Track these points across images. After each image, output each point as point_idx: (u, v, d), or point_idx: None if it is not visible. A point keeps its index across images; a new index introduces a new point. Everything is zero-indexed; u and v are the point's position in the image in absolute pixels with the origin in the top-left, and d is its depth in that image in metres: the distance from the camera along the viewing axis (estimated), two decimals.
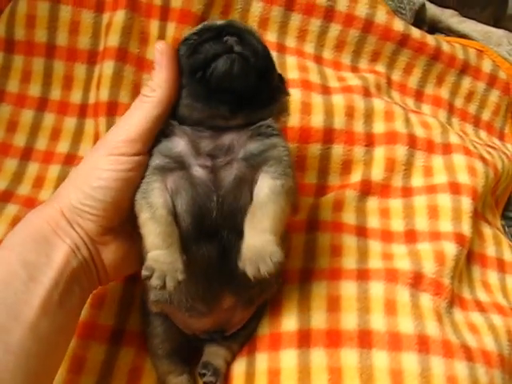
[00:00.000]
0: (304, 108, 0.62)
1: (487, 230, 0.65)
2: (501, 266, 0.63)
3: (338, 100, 0.63)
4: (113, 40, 0.63)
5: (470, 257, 0.61)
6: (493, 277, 0.62)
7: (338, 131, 0.63)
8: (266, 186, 0.43)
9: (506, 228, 0.74)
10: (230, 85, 0.42)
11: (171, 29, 0.63)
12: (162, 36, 0.64)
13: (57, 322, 0.42)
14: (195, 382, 0.53)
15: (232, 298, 0.48)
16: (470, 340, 0.53)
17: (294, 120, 0.62)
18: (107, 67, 0.62)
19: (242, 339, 0.53)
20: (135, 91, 0.64)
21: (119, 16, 0.63)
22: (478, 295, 0.59)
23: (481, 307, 0.58)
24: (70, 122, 0.66)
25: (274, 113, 0.47)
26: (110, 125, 0.62)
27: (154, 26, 0.65)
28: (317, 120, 0.62)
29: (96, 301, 0.54)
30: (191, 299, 0.47)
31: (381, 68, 0.70)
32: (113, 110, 0.62)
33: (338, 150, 0.63)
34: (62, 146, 0.65)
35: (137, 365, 0.53)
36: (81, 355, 0.52)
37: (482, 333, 0.55)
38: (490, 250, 0.63)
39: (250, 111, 0.45)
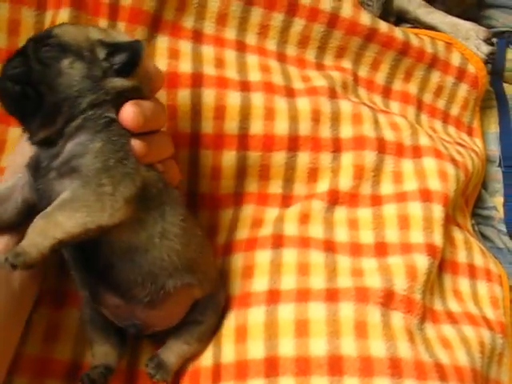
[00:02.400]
0: (267, 114, 0.58)
1: (458, 235, 0.63)
2: (472, 271, 0.62)
3: (304, 103, 0.59)
4: None
5: (441, 265, 0.59)
6: (464, 284, 0.61)
7: (304, 138, 0.59)
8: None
9: (476, 227, 0.72)
10: (8, 109, 0.43)
11: (121, 29, 0.58)
12: None
13: None
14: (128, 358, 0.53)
15: (111, 295, 0.46)
16: (442, 357, 0.52)
17: (256, 127, 0.58)
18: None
19: (201, 336, 0.51)
20: None
21: (63, 15, 0.57)
22: (450, 306, 0.58)
23: (452, 318, 0.57)
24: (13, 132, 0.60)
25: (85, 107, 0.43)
26: None
27: (102, 25, 0.59)
28: (281, 126, 0.58)
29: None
30: (82, 289, 0.47)
31: (347, 64, 0.66)
32: None
33: (303, 157, 0.59)
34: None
35: None
36: None
37: (454, 347, 0.53)
38: (461, 256, 0.62)
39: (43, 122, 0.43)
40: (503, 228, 0.74)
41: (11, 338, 0.46)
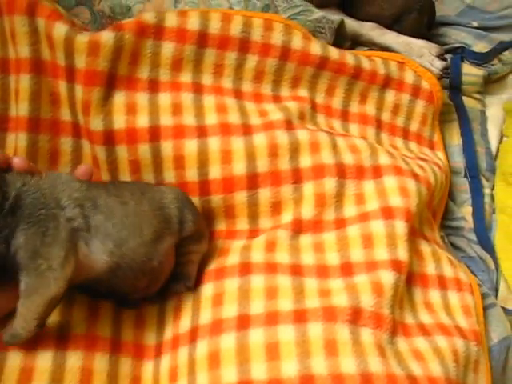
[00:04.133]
0: (224, 157, 0.60)
1: (426, 248, 0.64)
2: (442, 283, 0.63)
3: (260, 140, 0.61)
4: (22, 109, 0.60)
5: (410, 279, 0.60)
6: (435, 296, 0.61)
7: (263, 174, 0.61)
8: None
9: (446, 238, 0.74)
10: None
11: (79, 91, 0.60)
12: (71, 98, 0.61)
13: None
14: None
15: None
16: (415, 369, 0.52)
17: (215, 171, 0.61)
18: (21, 139, 0.60)
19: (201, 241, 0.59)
20: (52, 160, 0.62)
21: (24, 81, 0.60)
22: (421, 318, 0.59)
23: (424, 331, 0.57)
24: None
25: None
26: None
27: (62, 86, 0.62)
28: (238, 167, 0.60)
29: None
30: None
31: (303, 93, 0.69)
32: None
33: (264, 193, 0.61)
34: None
35: None
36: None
37: (427, 359, 0.54)
38: (430, 268, 0.63)
39: None
40: (473, 237, 0.76)
41: None
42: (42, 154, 0.62)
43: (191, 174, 0.61)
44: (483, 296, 0.67)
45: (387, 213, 0.60)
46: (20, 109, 0.61)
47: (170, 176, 0.62)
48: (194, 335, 0.53)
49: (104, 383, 0.49)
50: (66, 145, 0.63)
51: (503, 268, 0.73)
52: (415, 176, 0.64)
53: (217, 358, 0.51)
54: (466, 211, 0.78)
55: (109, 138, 0.61)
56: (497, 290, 0.74)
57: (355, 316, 0.52)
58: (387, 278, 0.55)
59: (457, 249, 0.75)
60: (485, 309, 0.67)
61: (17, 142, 0.61)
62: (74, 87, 0.61)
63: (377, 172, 0.64)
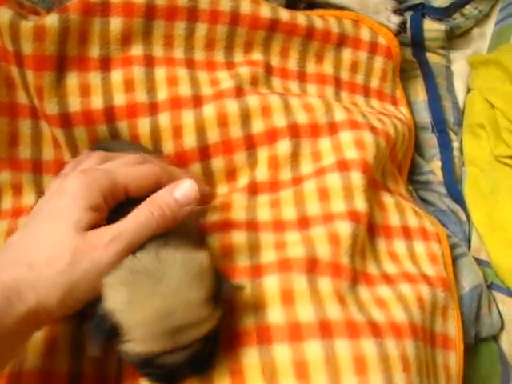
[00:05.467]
0: (175, 132, 0.61)
1: (388, 200, 0.64)
2: (406, 233, 0.62)
3: (209, 111, 0.61)
4: None
5: (372, 230, 0.60)
6: (400, 246, 0.61)
7: (213, 145, 0.61)
8: None
9: (414, 193, 0.74)
10: None
11: (30, 76, 0.60)
12: (25, 83, 0.62)
13: None
14: None
15: None
16: (377, 315, 0.52)
17: (168, 147, 0.61)
18: None
19: None
20: (13, 142, 0.63)
21: None
22: (385, 268, 0.59)
23: (389, 279, 0.57)
24: None
25: None
26: None
27: (14, 71, 0.62)
28: (189, 141, 0.61)
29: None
30: None
31: (257, 56, 0.68)
32: None
33: (217, 163, 0.61)
34: None
35: None
36: None
37: (390, 305, 0.54)
38: (394, 220, 0.63)
39: None
40: (443, 190, 0.75)
41: None
42: (2, 137, 0.62)
43: None
44: (453, 246, 0.67)
45: (343, 165, 0.60)
46: None
47: None
48: None
49: None
50: (25, 127, 0.64)
51: (474, 219, 0.73)
52: (372, 128, 0.64)
53: None
54: (435, 166, 0.78)
55: (65, 121, 0.61)
56: (469, 242, 0.73)
57: (312, 266, 0.52)
58: (344, 228, 0.55)
59: (427, 203, 0.74)
60: (455, 259, 0.67)
61: None
62: (25, 72, 0.61)
63: (332, 129, 0.63)
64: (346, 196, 0.58)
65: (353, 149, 0.61)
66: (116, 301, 0.42)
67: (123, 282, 0.42)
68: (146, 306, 0.41)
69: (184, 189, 0.47)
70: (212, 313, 0.43)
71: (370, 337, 0.50)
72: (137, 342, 0.41)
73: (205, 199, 0.55)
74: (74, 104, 0.61)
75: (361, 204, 0.58)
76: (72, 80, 0.61)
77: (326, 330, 0.49)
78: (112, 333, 0.41)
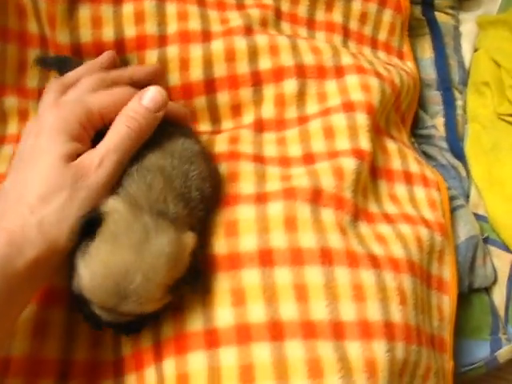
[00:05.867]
0: (182, 65, 0.61)
1: (392, 145, 0.65)
2: (408, 178, 0.63)
3: (218, 46, 0.62)
4: None
5: (375, 172, 0.61)
6: (400, 189, 0.62)
7: (219, 79, 0.62)
8: None
9: (416, 145, 0.74)
10: None
11: (43, 4, 0.62)
12: (37, 11, 0.62)
13: None
14: None
15: None
16: (376, 250, 0.53)
17: (174, 79, 0.62)
18: None
19: None
20: (21, 70, 0.64)
21: None
22: (386, 208, 0.60)
23: (389, 219, 0.58)
24: None
25: None
26: None
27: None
28: (196, 73, 0.61)
29: None
30: None
31: (267, 0, 0.69)
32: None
33: (223, 97, 0.62)
34: None
35: None
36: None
37: (389, 242, 0.55)
38: (396, 164, 0.64)
39: None
40: (445, 145, 0.76)
41: None
42: (11, 63, 0.63)
43: None
44: (452, 198, 0.68)
45: (348, 106, 0.61)
46: None
47: None
48: None
49: None
50: (34, 56, 0.64)
51: (473, 174, 0.74)
52: (378, 74, 0.65)
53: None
54: (438, 122, 0.78)
55: (76, 51, 0.62)
56: (468, 197, 0.74)
57: (316, 196, 0.53)
58: (348, 163, 0.56)
59: (428, 157, 0.75)
60: (453, 210, 0.68)
61: None
62: (37, 0, 0.61)
63: (339, 72, 0.64)
64: (351, 135, 0.59)
65: (358, 91, 0.62)
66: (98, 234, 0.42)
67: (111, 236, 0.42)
68: (116, 251, 0.41)
69: (150, 95, 0.48)
70: (163, 297, 0.43)
71: (369, 267, 0.51)
72: (84, 278, 0.41)
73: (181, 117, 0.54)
74: (86, 35, 0.61)
75: (365, 143, 0.59)
76: (84, 12, 0.62)
77: (326, 257, 0.50)
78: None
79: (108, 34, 0.62)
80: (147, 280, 0.40)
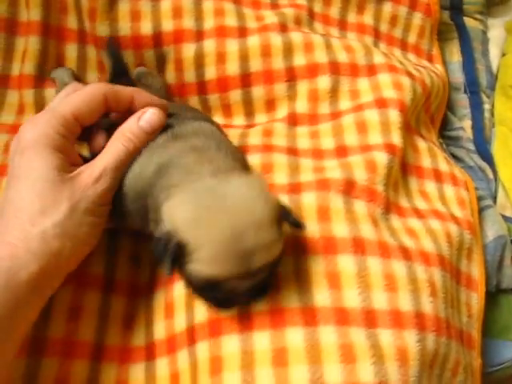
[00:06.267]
0: (219, 59, 0.63)
1: (422, 144, 0.66)
2: (437, 176, 0.64)
3: (254, 41, 0.64)
4: (35, 14, 0.64)
5: (405, 169, 0.62)
6: (430, 186, 0.63)
7: (255, 73, 0.63)
8: None
9: (444, 146, 0.75)
10: None
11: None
12: (78, 7, 0.66)
13: None
14: None
15: None
16: (407, 242, 0.54)
17: (210, 72, 0.63)
18: (32, 43, 0.64)
19: None
20: (59, 63, 0.66)
21: None
22: (416, 204, 0.60)
23: (419, 214, 0.59)
24: None
25: None
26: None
27: None
28: (232, 68, 0.63)
29: None
30: None
31: (301, 1, 0.70)
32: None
33: (258, 91, 0.63)
34: None
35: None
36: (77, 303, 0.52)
37: (420, 236, 0.56)
38: (426, 162, 0.64)
39: None
40: (472, 147, 0.77)
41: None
42: (51, 57, 0.66)
43: (189, 76, 0.65)
44: (480, 198, 0.68)
45: (381, 103, 0.62)
46: (32, 14, 0.64)
47: (170, 78, 0.65)
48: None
49: None
50: (72, 51, 0.67)
51: (501, 176, 0.74)
52: (410, 74, 0.66)
53: None
54: (465, 125, 0.79)
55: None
56: (495, 199, 0.74)
57: (348, 187, 0.54)
58: (380, 157, 0.57)
59: (456, 159, 0.75)
60: (481, 210, 0.68)
61: (27, 45, 0.65)
62: None
63: (371, 70, 0.65)
64: (383, 130, 0.60)
65: (391, 89, 0.63)
66: (181, 219, 0.40)
67: (186, 202, 0.42)
68: (214, 223, 0.39)
69: (148, 117, 0.49)
70: (280, 235, 0.42)
71: (400, 259, 0.51)
72: (205, 264, 0.40)
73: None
74: (125, 28, 0.63)
75: (397, 139, 0.59)
76: (124, 5, 0.64)
77: (359, 246, 0.51)
78: (178, 252, 0.40)
79: (146, 27, 0.64)
80: (259, 225, 0.40)
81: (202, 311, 0.49)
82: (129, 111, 0.50)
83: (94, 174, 0.46)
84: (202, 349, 0.47)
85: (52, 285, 0.45)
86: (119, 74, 0.61)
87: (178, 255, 0.40)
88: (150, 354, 0.52)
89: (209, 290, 0.43)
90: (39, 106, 0.65)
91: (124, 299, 0.55)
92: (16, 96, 0.65)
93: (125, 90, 0.50)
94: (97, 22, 0.63)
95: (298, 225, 0.45)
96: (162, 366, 0.50)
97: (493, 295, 0.66)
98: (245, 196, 0.41)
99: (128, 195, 0.48)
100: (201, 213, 0.40)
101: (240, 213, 0.40)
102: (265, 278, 0.43)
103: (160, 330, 0.52)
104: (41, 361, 0.49)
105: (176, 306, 0.51)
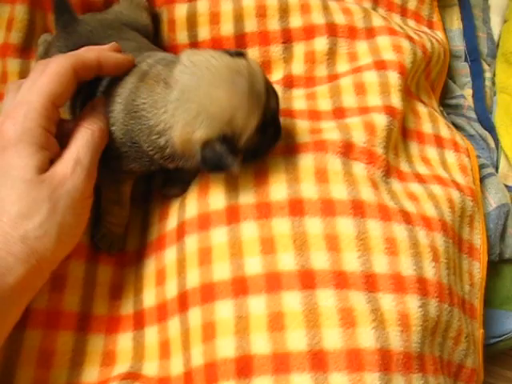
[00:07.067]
0: (212, 19, 0.61)
1: (422, 109, 0.64)
2: (439, 141, 0.62)
3: (249, 2, 0.61)
4: None
5: (406, 133, 0.60)
6: (431, 152, 0.61)
7: (250, 34, 0.61)
8: None
9: (445, 113, 0.73)
10: None
11: None
12: None
13: None
14: None
15: None
16: (408, 206, 0.52)
17: (204, 33, 0.61)
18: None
19: None
20: None
21: None
22: (418, 168, 0.58)
23: (420, 179, 0.57)
24: None
25: None
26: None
27: None
28: (226, 28, 0.61)
29: None
30: None
31: None
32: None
33: (253, 52, 0.61)
34: None
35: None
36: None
37: (421, 200, 0.54)
38: (427, 127, 0.62)
39: None
40: (473, 115, 0.75)
41: None
42: (38, 29, 0.65)
43: (182, 37, 0.62)
44: (481, 166, 0.66)
45: (380, 65, 0.59)
46: None
47: (163, 39, 0.64)
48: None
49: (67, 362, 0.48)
50: None
51: (503, 144, 0.72)
52: (410, 38, 0.63)
53: (206, 186, 0.51)
54: (466, 93, 0.77)
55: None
56: (497, 168, 0.73)
57: (347, 149, 0.52)
58: (380, 119, 0.55)
59: (457, 127, 0.73)
60: (483, 178, 0.66)
61: (14, 13, 0.63)
62: None
63: (370, 33, 0.63)
64: (383, 92, 0.57)
65: (390, 52, 0.61)
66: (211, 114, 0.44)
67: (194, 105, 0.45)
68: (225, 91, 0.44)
69: None
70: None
71: (401, 222, 0.50)
72: (247, 130, 0.45)
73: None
74: None
75: (397, 101, 0.57)
76: None
77: (358, 209, 0.49)
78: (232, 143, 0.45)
79: None
80: (260, 78, 0.46)
81: (194, 277, 0.47)
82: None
83: (68, 166, 0.44)
84: (195, 315, 0.46)
85: (36, 286, 0.44)
86: (62, 11, 0.56)
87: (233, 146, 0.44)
88: (138, 322, 0.50)
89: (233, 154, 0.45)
90: (24, 76, 0.62)
91: (111, 268, 0.53)
92: None
93: (90, 56, 0.47)
94: None
95: None
96: (151, 334, 0.49)
97: (495, 265, 0.64)
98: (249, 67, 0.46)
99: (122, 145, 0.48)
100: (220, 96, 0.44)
101: (241, 69, 0.46)
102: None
103: (150, 298, 0.50)
104: (23, 332, 0.48)
105: (168, 273, 0.50)
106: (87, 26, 0.55)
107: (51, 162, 0.44)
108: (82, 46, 0.48)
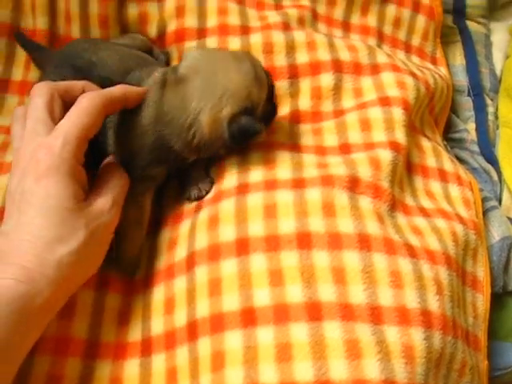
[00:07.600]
0: None
1: (426, 144, 0.65)
2: (442, 175, 0.63)
3: (256, 39, 0.64)
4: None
5: (410, 168, 0.62)
6: (436, 186, 0.62)
7: None
8: None
9: (448, 147, 0.74)
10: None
11: None
12: None
13: None
14: None
15: None
16: (413, 240, 0.53)
17: None
18: None
19: None
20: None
21: None
22: (422, 202, 0.60)
23: (425, 213, 0.58)
24: None
25: None
26: None
27: None
28: None
29: None
30: None
31: (305, 2, 0.71)
32: None
33: None
34: None
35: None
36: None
37: (425, 234, 0.55)
38: (431, 161, 0.64)
39: None
40: (476, 149, 0.76)
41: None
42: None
43: None
44: (484, 199, 0.68)
45: (384, 101, 0.61)
46: (37, 22, 0.67)
47: None
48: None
49: None
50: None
51: (506, 177, 0.73)
52: (413, 74, 0.65)
53: (216, 219, 0.52)
54: (469, 127, 0.79)
55: None
56: (500, 201, 0.74)
57: (353, 184, 0.54)
58: (385, 154, 0.57)
59: (460, 161, 0.75)
60: (487, 211, 0.67)
61: None
62: None
63: (374, 69, 0.65)
64: (387, 128, 0.59)
65: (394, 88, 0.63)
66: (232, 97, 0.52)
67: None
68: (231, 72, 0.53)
69: None
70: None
71: (406, 256, 0.51)
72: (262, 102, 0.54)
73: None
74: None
75: (401, 136, 0.59)
76: (133, 9, 0.67)
77: (364, 242, 0.50)
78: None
79: (151, 30, 0.66)
80: (259, 62, 0.57)
81: (204, 306, 0.48)
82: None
83: (109, 202, 0.48)
84: (204, 344, 0.47)
85: (58, 307, 0.46)
86: (34, 49, 0.65)
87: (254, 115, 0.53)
88: (145, 349, 0.51)
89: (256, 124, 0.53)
90: None
91: (119, 296, 0.54)
92: (16, 101, 0.66)
93: (117, 93, 0.51)
94: None
95: None
96: (158, 361, 0.50)
97: (499, 297, 0.65)
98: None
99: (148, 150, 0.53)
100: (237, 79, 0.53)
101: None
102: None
103: (158, 326, 0.51)
104: (33, 358, 0.49)
105: (177, 301, 0.51)
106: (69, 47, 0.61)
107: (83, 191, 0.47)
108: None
